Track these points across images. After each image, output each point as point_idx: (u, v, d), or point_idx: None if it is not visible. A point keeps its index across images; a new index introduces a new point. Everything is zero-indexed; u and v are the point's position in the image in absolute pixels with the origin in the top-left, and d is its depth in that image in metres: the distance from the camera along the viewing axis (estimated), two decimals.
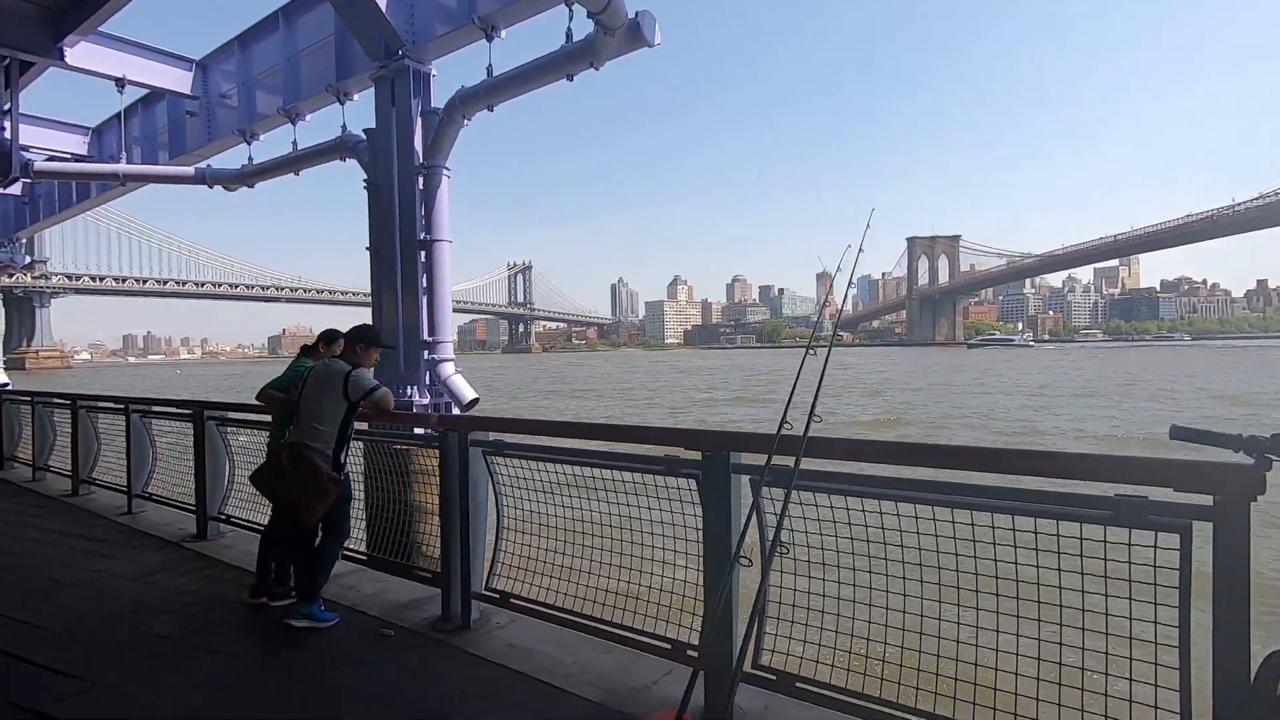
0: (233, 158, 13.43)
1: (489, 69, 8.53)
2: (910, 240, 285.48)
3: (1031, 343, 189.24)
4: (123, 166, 12.37)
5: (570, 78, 7.77)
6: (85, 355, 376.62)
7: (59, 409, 7.89)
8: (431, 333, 9.34)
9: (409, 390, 9.26)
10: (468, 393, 9.15)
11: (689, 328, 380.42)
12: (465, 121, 8.93)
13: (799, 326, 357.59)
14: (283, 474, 3.85)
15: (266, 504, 5.02)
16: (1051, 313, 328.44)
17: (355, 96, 10.66)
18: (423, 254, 9.39)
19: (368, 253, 10.01)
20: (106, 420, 6.89)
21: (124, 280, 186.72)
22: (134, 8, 10.20)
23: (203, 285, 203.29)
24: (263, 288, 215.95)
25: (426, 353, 9.38)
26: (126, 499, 6.47)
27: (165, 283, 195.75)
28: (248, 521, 5.32)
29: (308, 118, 11.51)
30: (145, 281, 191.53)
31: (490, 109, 8.56)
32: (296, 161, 11.24)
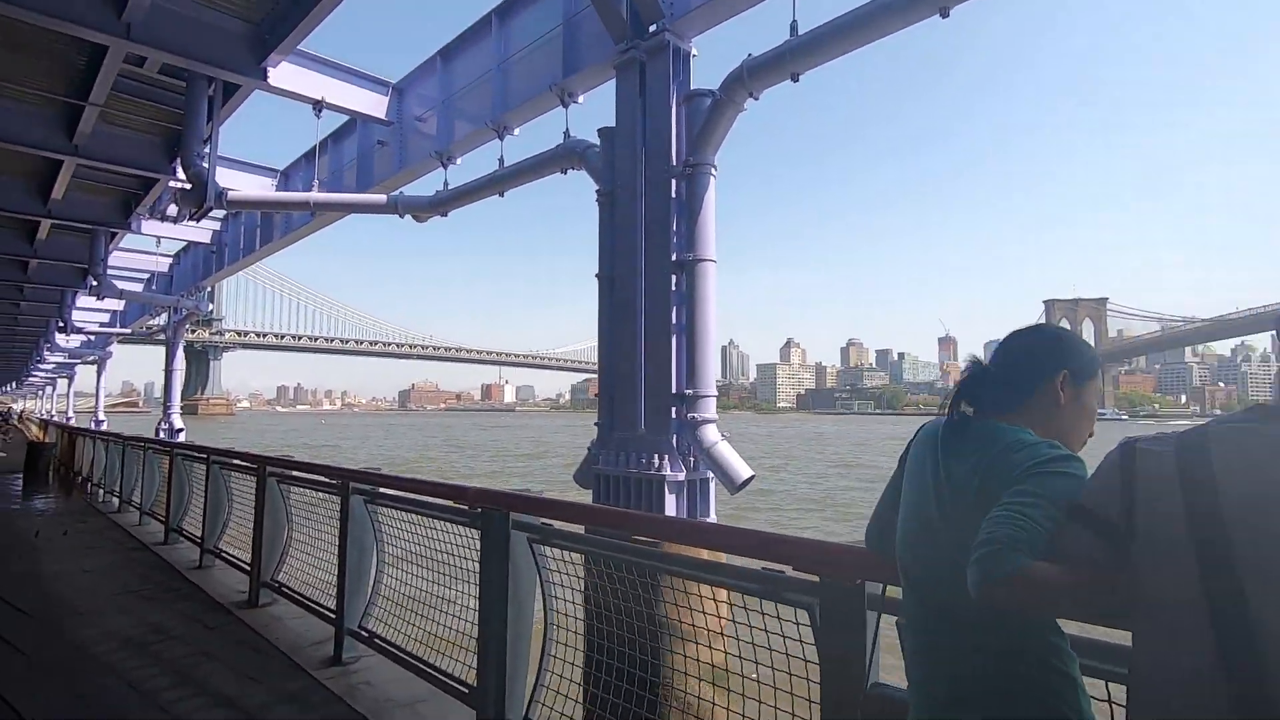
0: (422, 188, 12.20)
1: (793, 26, 6.31)
2: (1048, 303, 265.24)
3: (1124, 416, 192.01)
4: (313, 195, 11.32)
5: (945, 13, 5.34)
6: (245, 404, 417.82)
7: (240, 473, 6.04)
8: (689, 383, 6.97)
9: (655, 461, 6.88)
10: (741, 469, 6.60)
11: (801, 392, 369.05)
12: (751, 100, 6.72)
13: (921, 393, 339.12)
14: None
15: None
16: (1222, 385, 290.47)
17: (580, 98, 8.89)
18: (675, 279, 7.15)
19: (596, 280, 7.96)
20: (301, 495, 4.89)
21: (282, 337, 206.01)
22: (327, 37, 9.15)
23: (347, 342, 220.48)
24: (397, 345, 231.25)
25: (679, 410, 7.00)
26: (334, 633, 3.98)
27: (315, 339, 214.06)
28: None
29: (515, 131, 9.90)
30: (299, 338, 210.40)
31: (794, 78, 6.29)
32: (505, 179, 9.57)
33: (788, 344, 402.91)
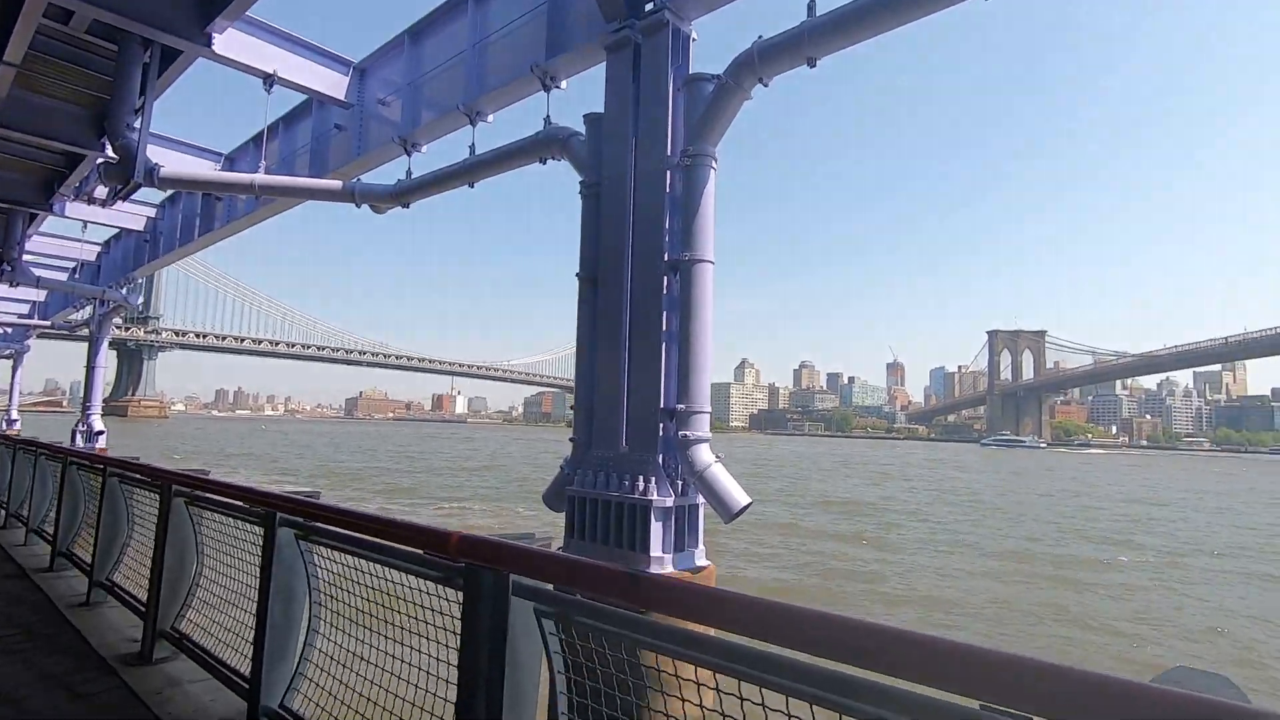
0: (382, 177, 11.24)
1: (810, 5, 5.73)
2: (991, 333, 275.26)
3: (1042, 444, 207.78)
4: (259, 176, 10.25)
5: None
6: (180, 406, 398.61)
7: (145, 490, 4.86)
8: (681, 398, 6.23)
9: (639, 483, 6.10)
10: (739, 496, 5.87)
11: (754, 412, 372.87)
12: (759, 86, 6.10)
13: (870, 416, 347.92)
14: None
15: None
16: (1149, 417, 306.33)
17: (564, 83, 8.17)
18: (667, 281, 6.44)
19: (576, 280, 7.19)
20: (218, 523, 3.80)
21: (224, 338, 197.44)
22: (283, 6, 8.25)
23: (293, 346, 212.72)
24: (345, 351, 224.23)
25: (668, 427, 6.26)
26: (246, 711, 3.01)
27: (260, 342, 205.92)
28: None
29: (490, 118, 9.11)
30: (242, 340, 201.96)
31: (811, 64, 5.70)
32: (476, 168, 8.75)
33: (742, 364, 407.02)
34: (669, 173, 6.49)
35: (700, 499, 6.25)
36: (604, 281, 6.83)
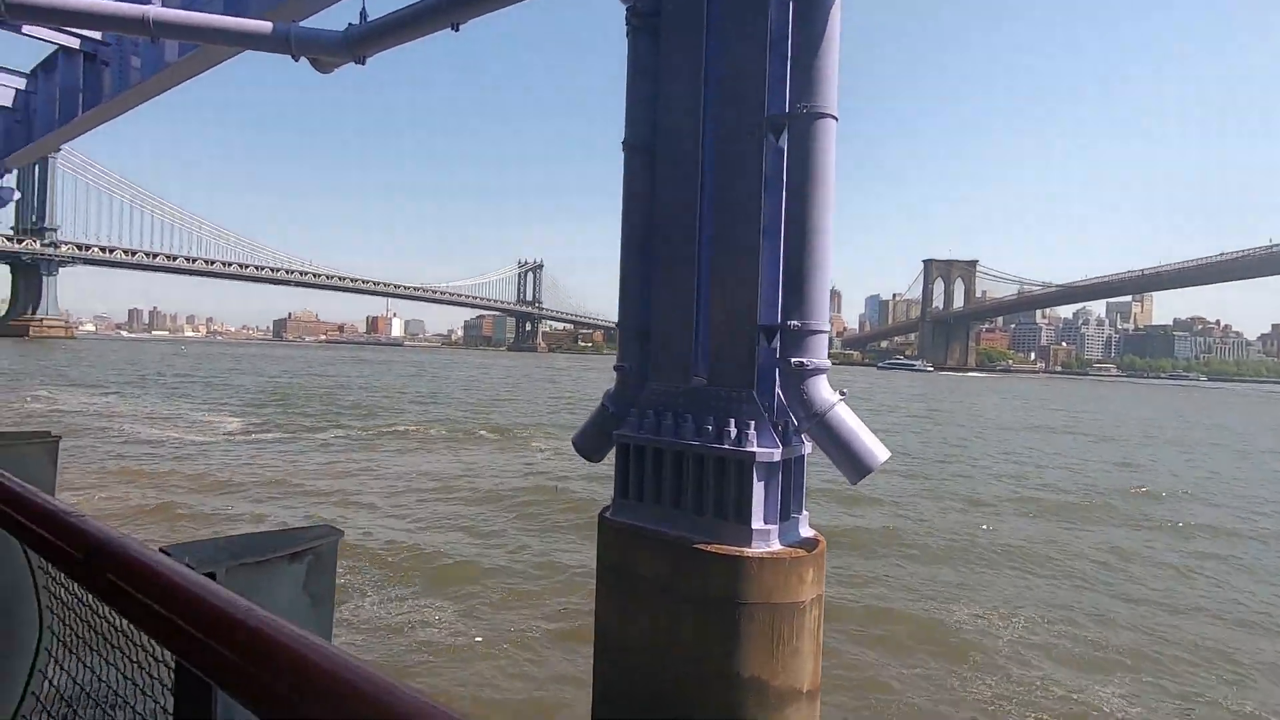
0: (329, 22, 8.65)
1: None
2: (927, 262, 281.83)
3: (930, 368, 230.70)
4: (155, 9, 7.57)
5: None
6: (90, 327, 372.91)
7: None
8: (791, 311, 4.51)
9: (731, 428, 4.44)
10: (876, 447, 4.29)
11: None
12: None
13: None
14: None
15: None
16: (1065, 344, 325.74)
17: None
18: (767, 146, 4.59)
19: (622, 150, 5.23)
20: None
21: (134, 253, 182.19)
22: None
23: (213, 263, 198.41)
24: (272, 269, 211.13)
25: (774, 350, 4.57)
26: None
27: (175, 259, 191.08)
28: None
29: None
30: (155, 256, 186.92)
31: None
32: (459, 3, 6.44)
33: None
34: None
35: (806, 449, 4.69)
36: (664, 153, 4.94)
